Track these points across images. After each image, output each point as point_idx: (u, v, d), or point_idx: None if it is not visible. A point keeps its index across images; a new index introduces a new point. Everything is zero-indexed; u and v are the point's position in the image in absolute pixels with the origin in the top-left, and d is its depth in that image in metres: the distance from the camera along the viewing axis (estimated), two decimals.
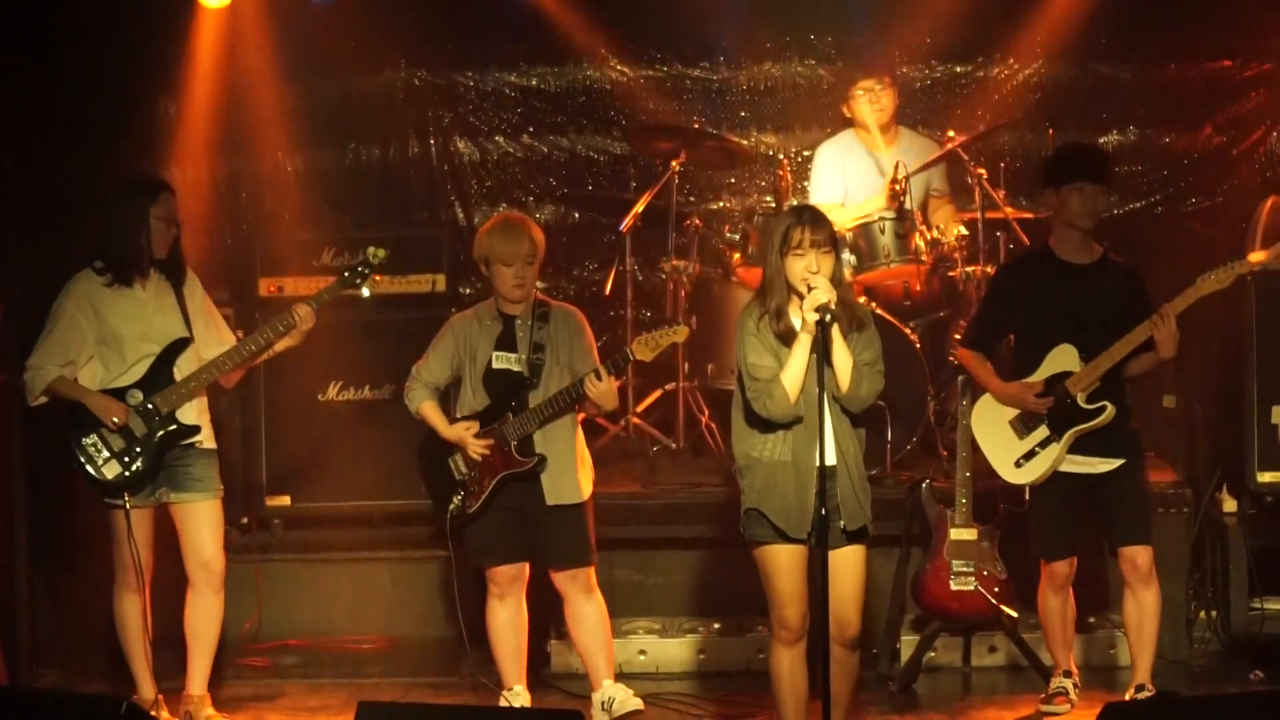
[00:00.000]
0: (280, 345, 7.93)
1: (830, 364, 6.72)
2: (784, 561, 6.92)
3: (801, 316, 6.76)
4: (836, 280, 6.82)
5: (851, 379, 6.81)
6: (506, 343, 7.92)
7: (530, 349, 7.90)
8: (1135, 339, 7.68)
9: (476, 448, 7.84)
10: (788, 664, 7.01)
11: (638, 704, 8.01)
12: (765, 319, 6.90)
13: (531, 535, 7.97)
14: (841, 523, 6.81)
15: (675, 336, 7.89)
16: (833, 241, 6.85)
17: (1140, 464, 7.87)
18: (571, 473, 7.92)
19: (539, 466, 7.85)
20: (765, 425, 6.90)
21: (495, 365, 7.90)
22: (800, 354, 6.78)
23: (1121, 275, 7.90)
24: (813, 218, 6.86)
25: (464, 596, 8.20)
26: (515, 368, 7.90)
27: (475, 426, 7.87)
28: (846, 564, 6.83)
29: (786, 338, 6.84)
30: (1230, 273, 7.67)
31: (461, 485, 7.91)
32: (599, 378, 7.76)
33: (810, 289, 6.73)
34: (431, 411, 7.94)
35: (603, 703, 8.00)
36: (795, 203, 9.50)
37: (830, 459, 6.78)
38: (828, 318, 6.66)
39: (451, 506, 7.91)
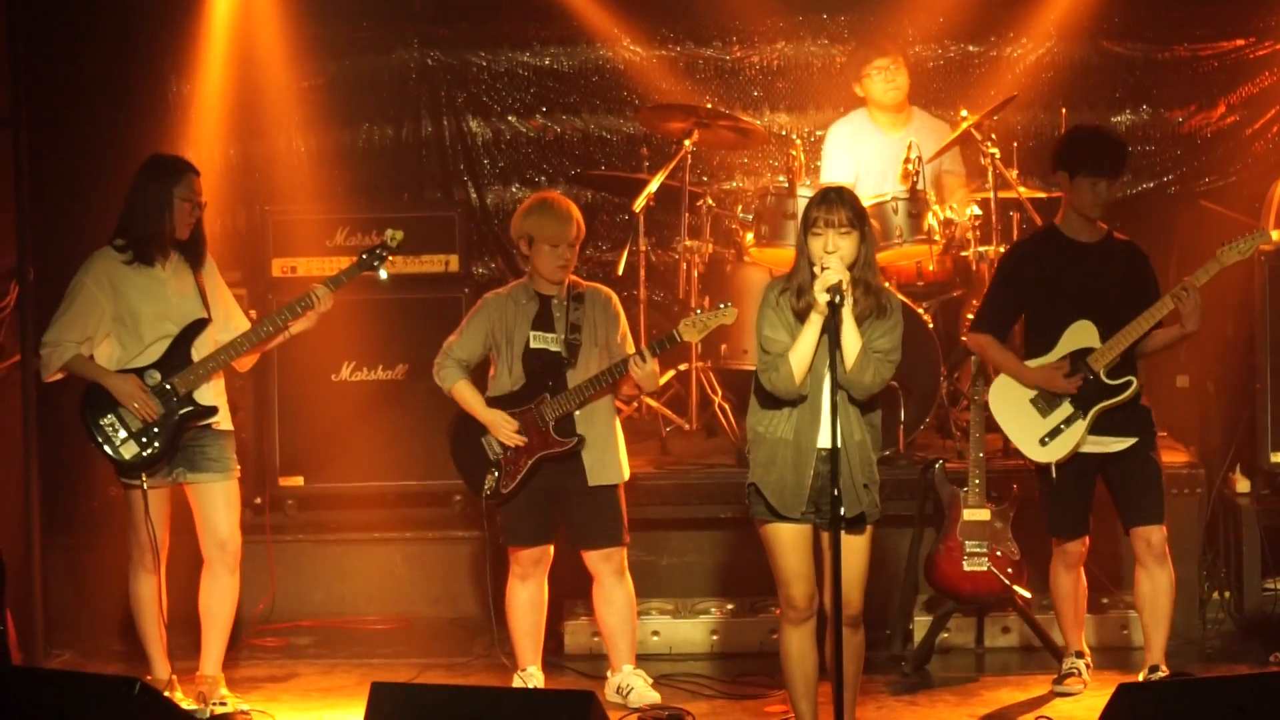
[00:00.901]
0: (295, 327, 7.94)
1: (839, 345, 6.70)
2: (786, 540, 6.90)
3: (814, 296, 6.73)
4: (862, 262, 6.80)
5: (856, 363, 6.75)
6: (543, 322, 7.90)
7: (567, 329, 7.88)
8: (1157, 313, 7.64)
9: (509, 433, 7.80)
10: (796, 644, 7.00)
11: (655, 697, 7.98)
12: (787, 294, 6.87)
13: (564, 516, 7.97)
14: (841, 508, 6.72)
15: (724, 318, 7.80)
16: (855, 223, 6.77)
17: (1152, 442, 7.84)
18: (614, 453, 7.93)
19: (578, 446, 7.84)
20: (773, 402, 6.87)
21: (533, 345, 7.88)
22: (809, 333, 6.75)
23: (1127, 253, 7.88)
24: (832, 198, 6.81)
25: (483, 576, 8.22)
26: (553, 348, 7.88)
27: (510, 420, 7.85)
28: (847, 546, 6.72)
29: (804, 316, 6.80)
30: (1251, 244, 7.64)
31: (496, 465, 7.88)
32: (644, 359, 7.75)
33: (824, 269, 6.72)
34: (466, 390, 7.87)
35: (619, 687, 8.00)
36: (808, 183, 9.50)
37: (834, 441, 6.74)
38: (838, 299, 6.63)
39: (486, 487, 7.89)
